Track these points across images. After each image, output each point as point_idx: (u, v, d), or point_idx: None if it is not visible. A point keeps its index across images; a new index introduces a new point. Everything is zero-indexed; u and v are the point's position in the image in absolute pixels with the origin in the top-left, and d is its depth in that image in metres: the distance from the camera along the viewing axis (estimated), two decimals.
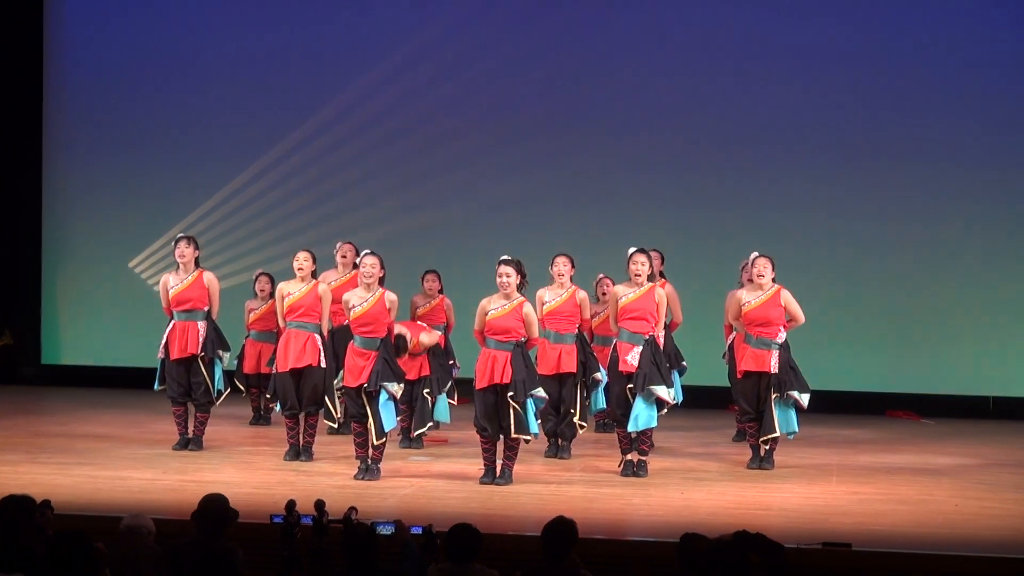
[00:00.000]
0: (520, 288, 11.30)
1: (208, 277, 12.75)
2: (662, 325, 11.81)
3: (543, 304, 12.44)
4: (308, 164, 17.28)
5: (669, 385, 11.69)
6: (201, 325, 12.61)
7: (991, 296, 16.21)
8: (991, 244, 16.21)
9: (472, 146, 16.97)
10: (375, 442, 11.38)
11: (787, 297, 12.15)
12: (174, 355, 12.62)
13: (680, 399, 12.83)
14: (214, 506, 7.16)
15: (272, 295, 13.77)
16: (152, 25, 17.51)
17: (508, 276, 11.21)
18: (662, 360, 11.66)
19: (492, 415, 11.21)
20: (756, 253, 12.32)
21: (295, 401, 12.30)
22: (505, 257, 11.33)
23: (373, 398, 11.35)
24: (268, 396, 13.01)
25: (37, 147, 17.72)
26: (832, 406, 15.57)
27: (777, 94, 16.44)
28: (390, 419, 11.46)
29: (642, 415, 11.58)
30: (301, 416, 12.36)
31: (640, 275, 11.65)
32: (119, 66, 17.54)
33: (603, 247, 15.19)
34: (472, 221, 16.94)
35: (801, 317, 12.19)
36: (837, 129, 16.37)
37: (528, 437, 11.19)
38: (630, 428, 11.60)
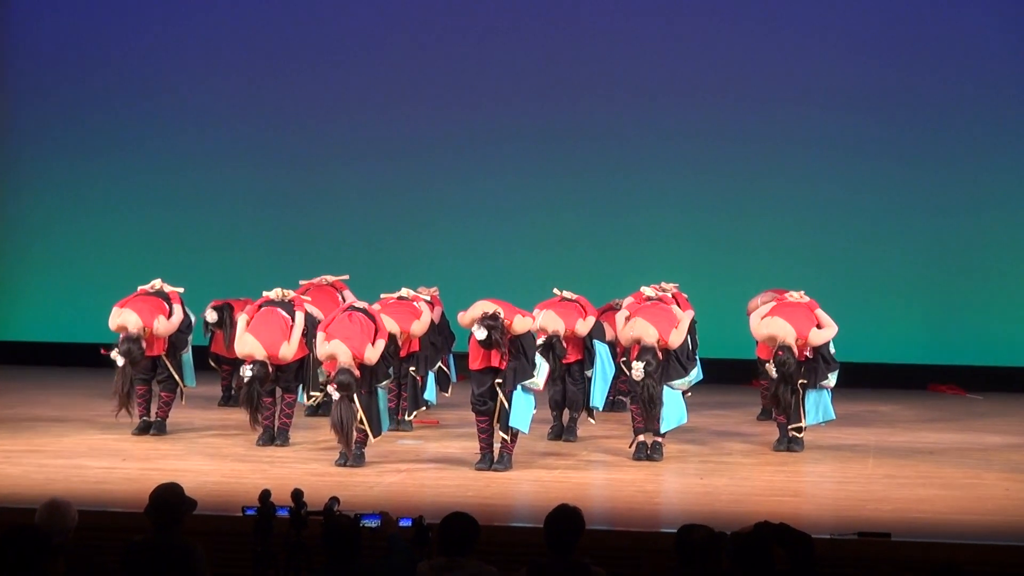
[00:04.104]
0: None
1: (159, 327, 12.72)
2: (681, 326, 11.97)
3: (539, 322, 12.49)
4: (292, 163, 17.47)
5: (686, 372, 11.91)
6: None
7: None
8: None
9: (469, 146, 17.21)
10: (372, 439, 11.45)
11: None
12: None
13: (700, 378, 12.95)
14: (167, 496, 7.16)
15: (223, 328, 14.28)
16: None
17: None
18: (677, 352, 11.81)
19: (492, 393, 11.25)
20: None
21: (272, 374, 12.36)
22: (476, 332, 11.19)
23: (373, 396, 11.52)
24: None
25: None
26: (869, 380, 15.62)
27: (800, 77, 16.59)
28: (387, 419, 11.73)
29: (672, 414, 11.74)
30: (278, 393, 12.38)
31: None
32: (78, 32, 17.63)
33: (611, 246, 16.05)
34: (471, 225, 17.15)
35: (825, 335, 12.24)
36: (882, 94, 16.44)
37: (507, 436, 11.23)
38: (663, 430, 11.75)
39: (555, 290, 12.90)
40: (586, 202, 16.90)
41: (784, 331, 12.05)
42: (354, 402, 11.20)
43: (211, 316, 14.27)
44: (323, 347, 11.40)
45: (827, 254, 16.30)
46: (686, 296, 13.36)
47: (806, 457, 12.06)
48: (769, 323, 12.18)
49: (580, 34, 17.06)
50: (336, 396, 11.11)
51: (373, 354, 11.40)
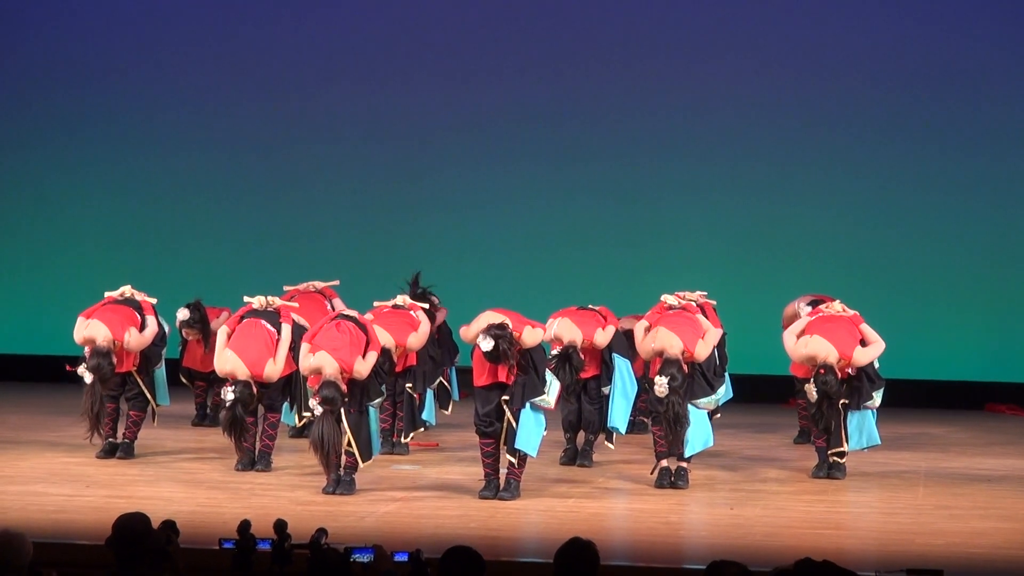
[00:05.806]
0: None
1: (131, 341, 12.72)
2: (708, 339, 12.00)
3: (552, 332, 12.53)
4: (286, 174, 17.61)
5: (713, 390, 11.92)
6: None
7: None
8: None
9: (473, 133, 17.32)
10: (361, 464, 11.43)
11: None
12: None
13: (729, 396, 12.97)
14: (130, 528, 7.14)
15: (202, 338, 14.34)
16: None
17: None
18: (703, 367, 11.82)
19: (498, 413, 11.23)
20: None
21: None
22: (482, 343, 11.18)
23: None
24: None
25: None
26: (920, 399, 15.62)
27: (843, 63, 16.74)
28: (377, 442, 11.71)
29: (697, 436, 11.74)
30: (260, 411, 12.36)
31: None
32: (62, 44, 17.73)
33: (631, 248, 16.39)
34: (473, 224, 17.28)
35: (872, 353, 12.25)
36: (929, 77, 16.57)
37: (514, 459, 11.23)
38: (687, 454, 11.74)
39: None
40: (604, 202, 16.88)
41: (825, 351, 11.99)
42: (341, 421, 11.18)
43: (183, 314, 14.25)
44: (307, 360, 11.36)
45: (872, 257, 16.30)
46: (714, 304, 13.35)
47: (849, 485, 12.05)
48: (807, 343, 12.12)
49: (601, 9, 17.08)
50: (319, 412, 11.10)
51: (364, 367, 11.34)
